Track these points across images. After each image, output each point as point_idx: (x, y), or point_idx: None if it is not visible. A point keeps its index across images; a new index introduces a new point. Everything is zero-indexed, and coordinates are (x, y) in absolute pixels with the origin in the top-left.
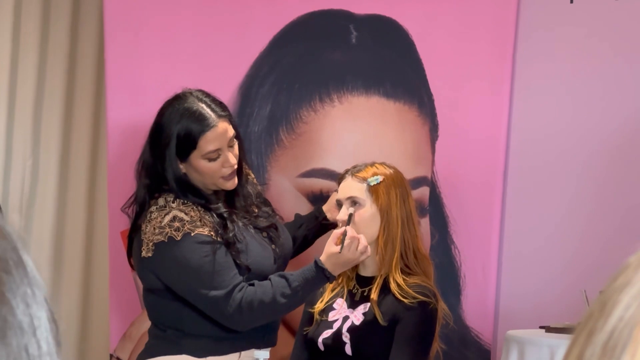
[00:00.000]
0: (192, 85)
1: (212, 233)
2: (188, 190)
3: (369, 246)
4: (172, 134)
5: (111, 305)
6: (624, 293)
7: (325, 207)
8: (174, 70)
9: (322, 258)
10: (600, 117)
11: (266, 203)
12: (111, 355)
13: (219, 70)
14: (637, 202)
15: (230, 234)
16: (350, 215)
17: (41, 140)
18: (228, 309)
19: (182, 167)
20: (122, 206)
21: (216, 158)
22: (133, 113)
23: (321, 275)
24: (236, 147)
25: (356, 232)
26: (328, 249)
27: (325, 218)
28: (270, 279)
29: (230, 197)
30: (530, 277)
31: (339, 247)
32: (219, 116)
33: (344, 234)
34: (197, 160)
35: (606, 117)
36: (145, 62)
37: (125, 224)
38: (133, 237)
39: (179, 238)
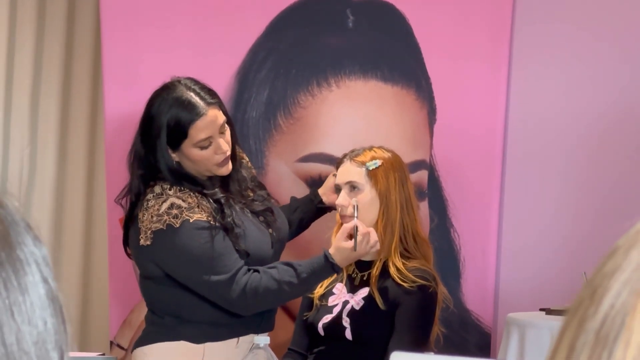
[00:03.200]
0: (189, 73)
1: (210, 219)
2: (182, 179)
3: (378, 240)
4: (162, 125)
5: (111, 292)
6: (614, 279)
7: (320, 191)
8: (171, 58)
9: (332, 251)
10: (598, 99)
11: (261, 187)
12: (111, 343)
13: (216, 56)
14: (635, 184)
15: (229, 219)
16: (355, 207)
17: (39, 128)
18: (231, 293)
19: (175, 157)
20: (115, 197)
21: (208, 146)
22: (130, 100)
23: (330, 269)
24: (228, 133)
25: (362, 222)
26: (339, 244)
27: (320, 202)
28: (276, 267)
29: (225, 182)
30: (530, 259)
31: (351, 242)
32: (208, 104)
33: (355, 229)
34: (189, 149)
35: (604, 99)
36: (142, 49)
37: (124, 211)
38: (129, 226)
39: (177, 225)
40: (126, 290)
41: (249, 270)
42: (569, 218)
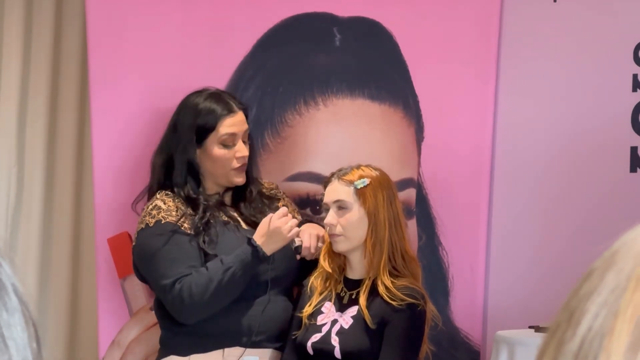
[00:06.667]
0: (177, 92)
1: (184, 225)
2: (192, 177)
3: (296, 227)
4: (195, 115)
5: (99, 312)
6: (590, 301)
7: None
8: (158, 78)
9: (255, 236)
10: (585, 116)
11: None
12: None
13: (203, 74)
14: (625, 200)
15: (197, 223)
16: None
17: (26, 147)
18: (171, 298)
19: (198, 155)
20: (132, 202)
21: (231, 146)
22: (118, 118)
23: (253, 252)
24: (248, 146)
25: (343, 233)
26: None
27: None
28: (207, 264)
29: (237, 203)
30: (519, 276)
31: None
32: (239, 107)
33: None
34: (213, 145)
35: (591, 115)
36: (129, 67)
37: (112, 230)
38: None
39: (151, 225)
40: (115, 310)
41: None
42: (557, 235)
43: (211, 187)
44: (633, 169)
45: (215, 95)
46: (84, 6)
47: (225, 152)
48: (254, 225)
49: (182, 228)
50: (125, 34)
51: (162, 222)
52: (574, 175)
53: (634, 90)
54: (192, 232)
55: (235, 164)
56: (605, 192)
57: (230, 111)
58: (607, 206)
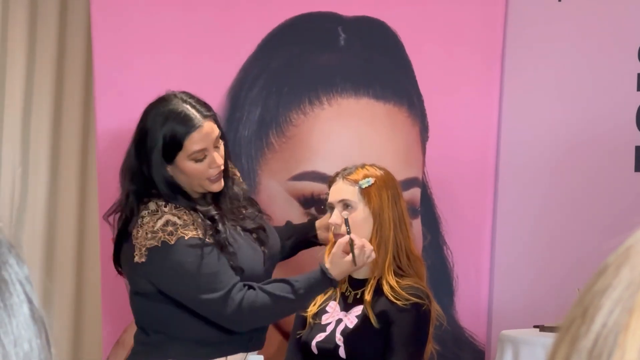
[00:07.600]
0: (181, 90)
1: (205, 236)
2: (178, 193)
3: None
4: (158, 137)
5: (103, 312)
6: (605, 297)
7: (318, 223)
8: (163, 77)
9: (328, 266)
10: (590, 115)
11: (252, 203)
12: None
13: (208, 74)
14: (630, 200)
15: (222, 236)
16: (347, 220)
17: (30, 147)
18: (227, 309)
19: (169, 170)
20: (104, 214)
21: (202, 159)
22: (122, 119)
23: (327, 283)
24: (222, 148)
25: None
26: (336, 259)
27: (315, 235)
28: (272, 283)
29: (216, 199)
30: (523, 276)
31: (350, 257)
32: (204, 116)
33: (351, 242)
34: (184, 161)
35: (596, 115)
36: (133, 68)
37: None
38: (122, 242)
39: (172, 242)
40: (119, 310)
41: (244, 286)
42: (562, 234)
43: (193, 193)
44: (638, 168)
45: (176, 112)
46: (89, 6)
47: (199, 166)
48: (248, 231)
49: (207, 241)
50: (130, 34)
51: (186, 238)
52: (578, 174)
53: (639, 89)
54: (215, 244)
55: (211, 174)
56: (609, 191)
57: (193, 127)
58: (611, 205)
